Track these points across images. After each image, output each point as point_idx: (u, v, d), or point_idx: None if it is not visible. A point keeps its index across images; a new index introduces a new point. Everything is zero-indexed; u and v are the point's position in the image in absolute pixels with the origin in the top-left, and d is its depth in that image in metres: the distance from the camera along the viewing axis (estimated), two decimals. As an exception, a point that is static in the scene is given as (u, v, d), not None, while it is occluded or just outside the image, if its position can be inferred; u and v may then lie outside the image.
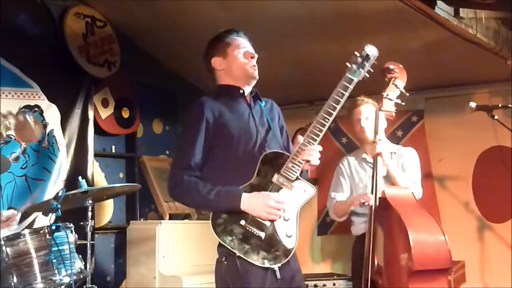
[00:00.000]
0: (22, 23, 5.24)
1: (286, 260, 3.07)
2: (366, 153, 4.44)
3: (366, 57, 3.20)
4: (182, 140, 3.31)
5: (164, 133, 6.57)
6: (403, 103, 3.88)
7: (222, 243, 3.05)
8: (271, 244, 3.07)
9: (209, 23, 5.48)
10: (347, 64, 3.20)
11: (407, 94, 3.84)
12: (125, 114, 6.12)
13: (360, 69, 3.18)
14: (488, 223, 5.83)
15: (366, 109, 4.40)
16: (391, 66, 3.88)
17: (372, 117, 4.25)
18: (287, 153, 3.20)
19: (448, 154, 5.98)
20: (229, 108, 3.27)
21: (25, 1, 5.29)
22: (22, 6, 5.25)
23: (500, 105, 4.35)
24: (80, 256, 4.07)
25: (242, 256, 3.03)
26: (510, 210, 5.68)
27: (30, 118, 4.14)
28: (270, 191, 3.11)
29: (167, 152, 6.54)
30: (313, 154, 3.14)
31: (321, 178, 6.42)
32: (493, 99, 5.68)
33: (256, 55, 3.34)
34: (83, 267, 4.05)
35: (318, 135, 3.14)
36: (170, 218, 6.00)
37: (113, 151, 6.10)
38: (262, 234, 3.06)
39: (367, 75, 3.22)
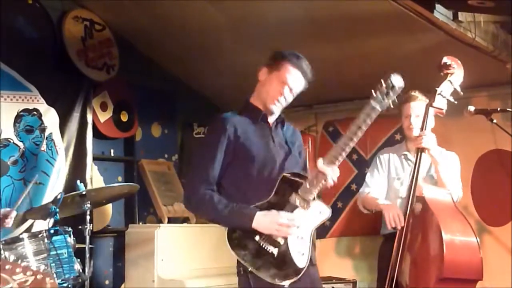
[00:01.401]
0: (20, 27, 5.25)
1: (296, 279, 3.09)
2: (408, 150, 4.32)
3: (392, 88, 3.16)
4: (201, 154, 3.33)
5: (163, 137, 6.56)
6: (456, 102, 3.79)
7: (236, 256, 3.11)
8: (283, 262, 3.12)
9: (208, 27, 5.51)
10: (372, 91, 3.18)
11: (461, 93, 3.73)
12: (124, 117, 6.11)
13: (385, 99, 3.16)
14: (487, 226, 5.83)
15: (418, 106, 4.18)
16: (448, 61, 3.79)
17: (422, 115, 4.11)
18: (306, 175, 3.23)
19: (447, 158, 5.98)
20: (251, 127, 3.30)
21: (24, 5, 5.29)
22: (20, 10, 5.25)
23: (499, 109, 4.34)
24: (79, 260, 4.07)
25: (253, 271, 3.08)
26: (509, 214, 5.68)
27: None
28: (285, 210, 3.15)
29: (166, 155, 6.54)
30: (332, 177, 3.16)
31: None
32: (492, 102, 5.67)
33: (290, 94, 3.31)
34: (81, 271, 4.05)
35: (337, 158, 3.17)
36: (169, 222, 6.00)
37: (112, 154, 6.09)
38: (275, 251, 3.12)
39: (392, 106, 3.19)
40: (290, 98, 3.34)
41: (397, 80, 3.16)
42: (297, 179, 3.20)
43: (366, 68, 5.69)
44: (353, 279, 6.07)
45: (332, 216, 6.82)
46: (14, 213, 3.97)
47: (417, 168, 3.82)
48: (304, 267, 3.12)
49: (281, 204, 3.16)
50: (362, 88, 3.28)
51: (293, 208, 3.16)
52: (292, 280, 3.09)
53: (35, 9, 5.36)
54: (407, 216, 3.76)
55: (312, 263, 3.23)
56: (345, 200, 6.53)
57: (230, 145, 3.22)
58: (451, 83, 3.78)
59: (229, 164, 3.23)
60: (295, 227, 3.13)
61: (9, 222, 4.02)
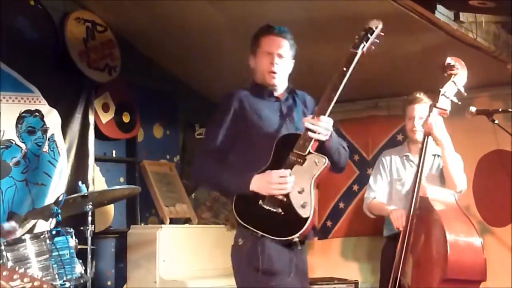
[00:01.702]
0: (22, 28, 5.25)
1: (304, 229, 3.16)
2: (410, 152, 4.37)
3: (369, 30, 3.33)
4: (208, 127, 3.53)
5: (164, 138, 6.56)
6: (459, 102, 3.80)
7: (245, 225, 3.21)
8: (289, 217, 3.19)
9: (208, 27, 5.51)
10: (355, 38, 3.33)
11: (465, 94, 3.75)
12: (126, 118, 6.12)
13: (364, 42, 3.32)
14: (489, 227, 5.83)
15: (422, 108, 4.25)
16: (452, 62, 3.82)
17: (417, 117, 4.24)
18: (299, 133, 3.29)
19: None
20: (259, 102, 3.38)
21: (26, 6, 5.29)
22: (22, 11, 5.25)
23: (500, 109, 4.34)
24: (81, 261, 4.08)
25: (264, 234, 3.18)
26: (511, 214, 5.67)
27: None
28: (283, 169, 3.22)
29: (168, 156, 6.54)
30: (320, 126, 3.23)
31: (322, 182, 6.42)
32: (494, 103, 5.67)
33: (283, 58, 3.38)
34: (83, 272, 4.06)
35: (326, 110, 3.26)
36: (170, 223, 6.00)
37: (114, 155, 6.10)
38: (280, 210, 3.20)
39: (373, 47, 3.34)
40: (284, 64, 3.40)
41: (374, 23, 3.35)
42: (291, 139, 3.27)
43: (368, 69, 5.69)
44: (355, 280, 6.07)
45: (334, 217, 6.90)
46: (19, 231, 3.99)
47: (423, 157, 3.78)
48: (309, 217, 3.17)
49: (279, 165, 3.24)
50: (363, 89, 3.31)
51: (290, 166, 3.22)
52: (300, 232, 3.16)
53: (37, 10, 5.36)
54: (410, 215, 3.74)
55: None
56: (347, 201, 6.53)
57: (236, 117, 3.33)
58: (454, 83, 3.78)
59: (235, 136, 3.34)
60: (289, 183, 3.18)
61: (12, 238, 4.04)
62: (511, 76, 5.40)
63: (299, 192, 3.21)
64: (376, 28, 3.33)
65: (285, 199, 3.20)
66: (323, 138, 3.26)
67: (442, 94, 3.76)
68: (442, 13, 4.52)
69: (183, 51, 6.07)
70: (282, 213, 3.19)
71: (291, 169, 3.22)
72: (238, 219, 3.23)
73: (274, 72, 3.37)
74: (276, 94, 3.43)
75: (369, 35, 3.32)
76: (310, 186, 3.23)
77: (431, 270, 3.61)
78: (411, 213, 3.72)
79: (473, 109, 4.17)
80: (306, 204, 3.19)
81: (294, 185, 3.20)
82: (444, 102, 3.77)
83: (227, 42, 5.72)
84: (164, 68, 6.44)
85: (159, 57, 6.34)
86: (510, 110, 4.43)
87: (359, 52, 3.30)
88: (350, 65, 3.30)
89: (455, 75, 3.80)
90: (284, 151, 3.26)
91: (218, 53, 5.91)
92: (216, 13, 5.34)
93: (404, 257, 3.71)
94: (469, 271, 3.56)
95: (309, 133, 3.22)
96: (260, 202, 3.20)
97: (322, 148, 3.29)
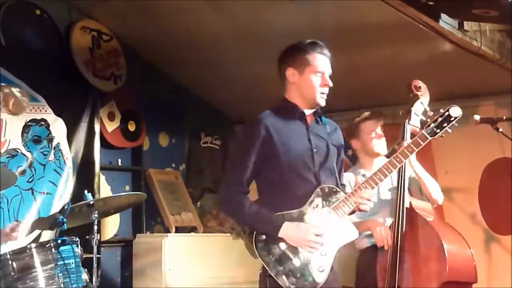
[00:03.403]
0: (28, 37, 5.28)
1: None
2: (364, 169, 4.35)
3: (447, 118, 3.28)
4: (236, 155, 3.42)
5: (170, 146, 6.58)
6: (428, 120, 3.88)
7: (259, 259, 3.16)
8: (302, 273, 3.14)
9: (214, 36, 5.52)
10: (428, 120, 3.31)
11: (431, 113, 3.84)
12: (131, 127, 6.13)
13: (438, 130, 3.28)
14: (495, 235, 5.80)
15: (374, 124, 4.37)
16: (419, 84, 4.03)
17: (378, 130, 4.33)
18: (341, 191, 3.26)
19: (454, 166, 5.95)
20: (287, 127, 3.29)
21: (31, 15, 5.32)
22: (28, 20, 5.28)
23: (504, 118, 4.34)
24: (86, 269, 4.07)
25: (273, 275, 3.12)
26: (517, 222, 5.66)
27: (15, 90, 4.14)
28: (315, 224, 3.18)
29: (173, 165, 6.55)
30: (368, 200, 3.23)
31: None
32: (499, 111, 5.66)
33: (330, 81, 3.32)
34: (89, 281, 4.05)
35: (376, 183, 3.25)
36: (176, 231, 6.00)
37: (119, 164, 6.11)
38: (297, 262, 3.15)
39: (443, 136, 3.29)
40: (327, 90, 3.33)
41: (455, 111, 3.29)
42: (332, 193, 3.23)
43: (373, 78, 5.70)
44: (350, 287, 6.05)
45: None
46: (20, 226, 3.98)
47: (401, 177, 3.98)
48: (321, 283, 3.14)
49: (313, 217, 3.19)
50: (369, 98, 3.31)
51: (323, 223, 3.18)
52: None
53: (43, 19, 5.39)
54: (399, 230, 3.90)
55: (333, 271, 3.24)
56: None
57: (265, 146, 3.23)
58: (422, 103, 4.00)
59: (263, 167, 3.25)
60: (321, 244, 3.16)
61: (16, 236, 4.04)
62: (516, 84, 5.40)
63: (322, 255, 3.17)
64: (454, 118, 3.27)
65: (306, 254, 3.15)
66: (364, 210, 3.26)
67: (414, 113, 3.96)
68: (447, 22, 4.53)
69: (188, 60, 6.08)
70: (298, 266, 3.14)
71: (321, 226, 3.17)
72: (255, 251, 3.16)
73: (324, 93, 3.31)
74: (306, 114, 3.35)
75: (445, 124, 3.27)
76: (334, 254, 3.19)
77: (428, 276, 3.81)
78: (399, 228, 3.88)
79: (477, 117, 4.20)
80: (323, 269, 3.15)
81: None
82: (416, 120, 3.95)
83: (232, 50, 5.73)
84: (169, 77, 6.46)
85: (164, 66, 6.36)
86: (514, 118, 4.43)
87: (429, 139, 3.26)
88: (416, 148, 3.29)
89: (421, 95, 4.03)
90: (322, 202, 3.21)
91: (224, 61, 5.93)
92: (221, 21, 5.36)
93: (399, 268, 3.86)
94: (464, 273, 3.87)
95: (361, 206, 3.21)
96: (283, 245, 3.15)
97: None
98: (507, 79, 5.38)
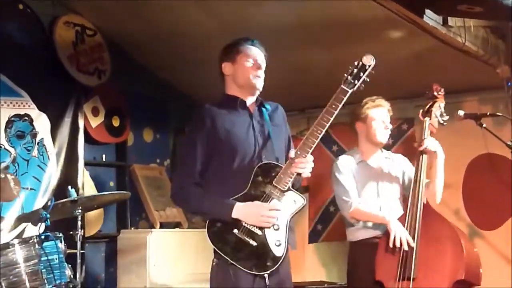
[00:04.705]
0: (11, 32, 5.24)
1: (274, 268, 3.17)
2: (361, 155, 4.36)
3: (362, 68, 3.26)
4: (184, 148, 3.52)
5: (154, 142, 6.56)
6: (445, 123, 4.17)
7: (216, 249, 3.21)
8: (261, 252, 3.19)
9: (199, 33, 5.51)
10: (345, 75, 3.26)
11: (447, 117, 4.15)
12: (116, 122, 6.11)
13: (356, 81, 3.25)
14: (479, 230, 5.84)
15: (385, 113, 4.34)
16: (441, 88, 4.19)
17: (386, 121, 4.33)
18: (280, 165, 3.27)
19: (438, 162, 5.99)
20: (230, 118, 3.36)
21: (15, 10, 5.28)
22: (11, 15, 5.24)
23: (488, 113, 4.38)
24: (70, 265, 4.06)
25: (233, 262, 3.16)
26: (500, 218, 5.69)
27: (10, 177, 4.12)
28: (262, 201, 3.21)
29: (158, 160, 6.54)
30: (305, 166, 3.24)
31: (312, 186, 6.43)
32: (482, 107, 5.70)
33: (263, 66, 3.40)
34: (72, 277, 4.04)
35: (310, 147, 3.24)
36: (161, 227, 5.99)
37: (104, 159, 6.09)
38: (254, 243, 3.18)
39: (363, 86, 3.28)
40: (261, 72, 3.39)
41: (368, 59, 3.26)
42: (271, 169, 3.26)
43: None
44: (345, 284, 6.06)
45: (324, 220, 6.91)
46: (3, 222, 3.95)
47: (420, 172, 4.03)
48: (282, 256, 3.18)
49: (257, 196, 3.23)
50: (354, 93, 3.29)
51: (268, 199, 3.22)
52: (271, 270, 3.16)
53: (26, 14, 5.35)
54: (417, 225, 3.94)
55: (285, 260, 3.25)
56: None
57: (210, 137, 3.30)
58: (439, 107, 4.14)
59: (211, 157, 3.31)
60: (276, 218, 3.19)
61: None
62: (500, 80, 5.42)
63: (275, 230, 3.20)
64: (369, 67, 3.25)
65: (260, 233, 3.19)
66: (306, 175, 3.28)
67: (434, 113, 4.11)
68: (431, 18, 4.54)
69: (173, 56, 6.06)
70: (256, 246, 3.17)
71: (269, 202, 3.21)
72: (210, 242, 3.21)
73: (259, 76, 3.38)
74: (248, 105, 3.41)
75: (361, 74, 3.25)
76: (286, 225, 3.23)
77: (442, 273, 3.83)
78: (417, 227, 3.93)
79: (461, 113, 4.25)
80: (280, 243, 3.19)
81: None
82: (435, 121, 4.10)
83: (218, 46, 5.69)
84: (154, 72, 6.44)
85: (149, 61, 6.34)
86: (498, 114, 4.47)
87: (350, 92, 3.25)
88: (339, 104, 3.25)
89: (440, 99, 4.16)
90: (263, 180, 3.25)
91: (208, 57, 5.85)
92: (206, 18, 5.35)
93: (415, 260, 3.89)
94: (475, 273, 3.93)
95: (295, 169, 3.21)
96: (236, 230, 3.18)
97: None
98: (490, 75, 5.42)
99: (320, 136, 3.24)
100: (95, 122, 5.93)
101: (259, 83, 3.39)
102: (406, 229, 3.95)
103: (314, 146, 3.24)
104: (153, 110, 6.50)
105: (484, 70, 5.37)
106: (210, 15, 5.31)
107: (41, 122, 5.37)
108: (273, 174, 3.24)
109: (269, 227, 3.19)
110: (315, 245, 6.69)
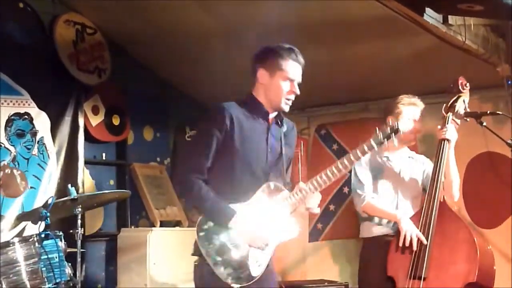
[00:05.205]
0: (11, 31, 5.24)
1: (246, 285, 3.16)
2: (388, 151, 4.33)
3: (396, 131, 3.27)
4: (196, 141, 3.48)
5: (155, 140, 6.56)
6: (468, 120, 4.21)
7: (199, 246, 3.20)
8: (240, 265, 3.18)
9: (200, 31, 5.51)
10: (376, 129, 3.28)
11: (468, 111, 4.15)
12: (116, 121, 6.10)
13: (385, 140, 3.27)
14: (479, 228, 5.83)
15: (416, 113, 4.34)
16: (466, 83, 4.21)
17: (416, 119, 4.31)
18: (288, 191, 3.31)
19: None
20: (250, 125, 3.32)
21: (15, 9, 5.28)
22: (11, 14, 5.24)
23: (488, 112, 4.37)
24: (70, 264, 4.06)
25: (211, 265, 3.16)
26: (500, 216, 5.69)
27: (16, 173, 4.13)
28: (260, 219, 3.22)
29: (158, 159, 6.53)
30: (315, 202, 3.30)
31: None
32: (483, 105, 5.69)
33: (298, 91, 3.36)
34: (72, 275, 4.04)
35: (321, 186, 3.26)
36: (161, 225, 5.99)
37: (104, 158, 6.08)
38: (236, 254, 3.18)
39: (386, 144, 3.31)
40: (293, 97, 3.37)
41: (403, 126, 3.29)
42: (278, 192, 3.28)
43: (358, 72, 5.71)
44: (346, 282, 6.07)
45: (324, 219, 6.91)
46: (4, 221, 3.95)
47: (440, 161, 4.07)
48: (257, 277, 3.18)
49: (258, 211, 3.22)
50: (354, 92, 3.30)
51: (267, 218, 3.23)
52: (242, 285, 3.16)
53: (26, 13, 5.35)
54: (432, 222, 3.94)
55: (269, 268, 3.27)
56: (338, 203, 6.53)
57: (225, 137, 3.26)
58: (464, 102, 4.14)
59: (220, 155, 3.27)
60: (267, 244, 3.20)
61: None
62: (500, 79, 5.42)
63: (261, 250, 3.21)
64: (401, 132, 3.26)
65: (246, 247, 3.19)
66: (315, 212, 3.36)
67: (458, 108, 4.14)
68: (431, 16, 4.54)
69: (173, 54, 6.06)
70: (237, 257, 3.17)
71: (267, 222, 3.22)
72: (196, 238, 3.21)
73: (290, 100, 3.35)
74: (270, 117, 3.39)
75: (392, 135, 3.26)
76: (273, 249, 3.24)
77: (455, 273, 3.82)
78: (432, 225, 3.92)
79: (461, 111, 4.22)
80: (261, 265, 3.20)
81: None
82: (457, 115, 4.14)
83: (218, 46, 5.72)
84: (154, 71, 6.43)
85: (149, 60, 6.33)
86: (499, 112, 4.47)
87: (375, 148, 3.27)
88: (361, 156, 3.27)
89: (465, 93, 4.17)
90: (267, 199, 3.26)
91: (209, 56, 5.91)
92: (207, 17, 5.34)
93: (428, 259, 3.88)
94: (488, 277, 3.90)
95: (307, 207, 3.28)
96: (224, 236, 3.18)
97: None
98: (491, 73, 5.41)
99: (333, 179, 3.26)
100: (95, 120, 5.93)
101: (288, 108, 3.36)
102: (420, 226, 3.95)
103: (325, 186, 3.26)
104: (153, 109, 6.49)
105: (485, 68, 5.37)
106: (211, 14, 5.31)
107: (41, 121, 5.37)
108: (278, 196, 3.27)
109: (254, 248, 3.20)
110: (315, 243, 6.69)
